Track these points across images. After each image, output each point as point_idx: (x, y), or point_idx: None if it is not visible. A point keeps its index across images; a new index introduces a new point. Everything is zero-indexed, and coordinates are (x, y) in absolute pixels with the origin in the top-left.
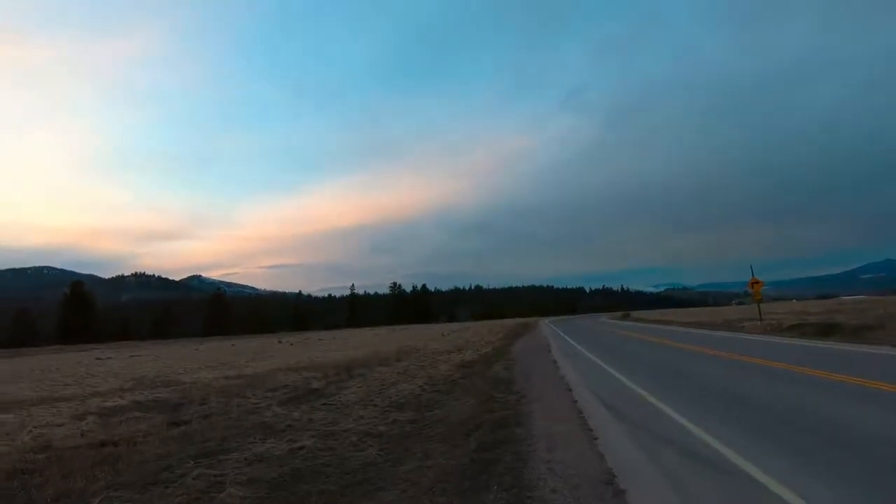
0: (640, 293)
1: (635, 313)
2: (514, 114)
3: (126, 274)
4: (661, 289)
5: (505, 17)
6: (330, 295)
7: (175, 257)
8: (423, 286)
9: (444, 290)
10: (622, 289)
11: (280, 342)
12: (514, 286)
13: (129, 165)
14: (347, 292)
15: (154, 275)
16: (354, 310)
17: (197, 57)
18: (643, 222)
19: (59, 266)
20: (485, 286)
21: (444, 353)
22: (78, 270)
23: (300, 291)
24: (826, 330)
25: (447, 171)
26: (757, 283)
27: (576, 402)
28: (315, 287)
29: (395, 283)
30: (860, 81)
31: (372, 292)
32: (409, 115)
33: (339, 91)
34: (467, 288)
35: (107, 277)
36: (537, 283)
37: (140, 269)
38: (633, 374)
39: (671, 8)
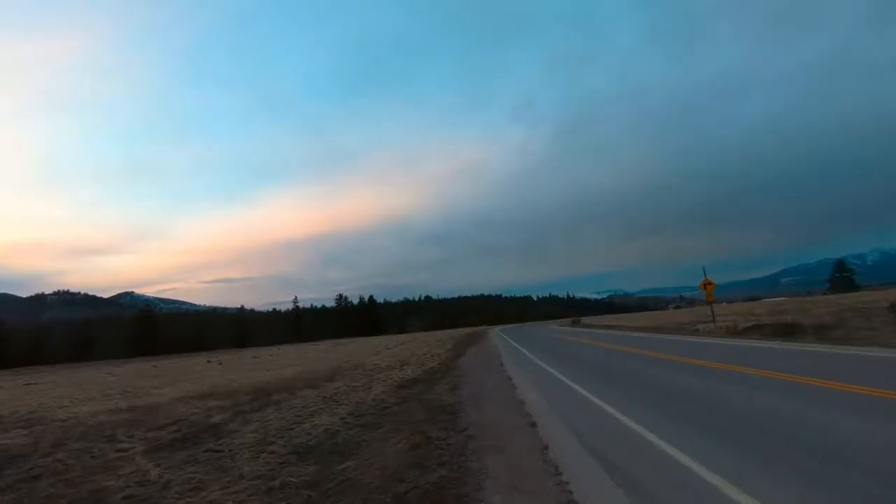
0: (584, 300)
1: (583, 319)
2: (467, 126)
3: (47, 292)
4: (605, 295)
5: (458, 31)
6: (274, 309)
7: (106, 273)
8: (371, 298)
9: (393, 301)
10: (568, 296)
11: (209, 362)
12: (463, 296)
13: (59, 176)
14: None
15: (80, 292)
16: (299, 324)
17: (139, 62)
18: (588, 231)
19: None
20: (434, 297)
21: (384, 370)
22: None
23: (242, 306)
24: (785, 330)
25: (401, 182)
26: (709, 284)
27: (546, 447)
28: (262, 302)
29: (340, 296)
30: (788, 95)
31: (320, 305)
32: (362, 125)
33: (291, 101)
34: (417, 299)
35: (25, 296)
36: (486, 293)
37: (64, 287)
38: (615, 397)
39: (614, 25)
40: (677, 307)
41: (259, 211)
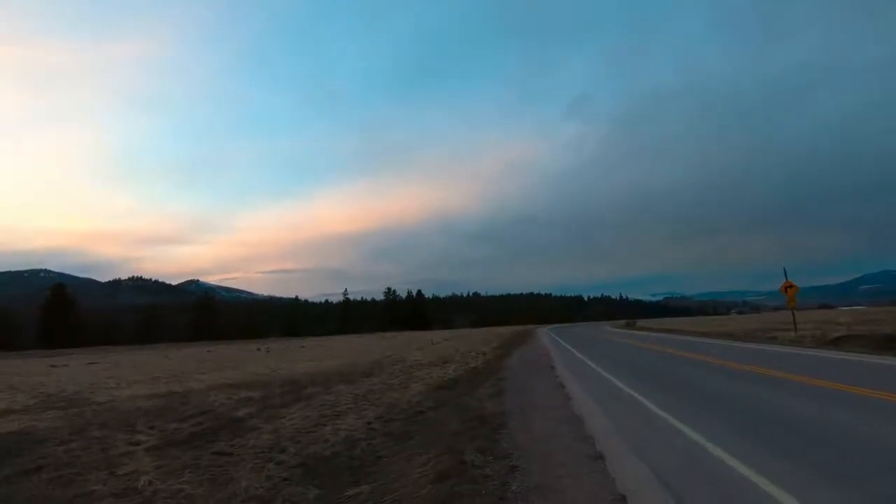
0: (638, 302)
1: (638, 322)
2: (519, 122)
3: (123, 278)
4: (660, 297)
5: (511, 26)
6: (326, 300)
7: (175, 262)
8: (419, 292)
9: (441, 296)
10: (621, 297)
11: (258, 349)
12: (512, 293)
13: (134, 170)
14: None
15: (151, 279)
16: (347, 316)
17: (203, 62)
18: (643, 231)
19: (56, 270)
20: (483, 293)
21: (425, 367)
22: (75, 274)
23: (296, 297)
24: (890, 343)
25: (452, 179)
26: (791, 287)
27: (624, 499)
28: (315, 293)
29: (389, 289)
30: (863, 91)
31: (369, 298)
32: (415, 122)
33: (346, 98)
34: (465, 295)
35: (104, 281)
36: (536, 291)
37: (138, 273)
38: (712, 427)
39: (675, 19)
40: (740, 312)
41: (314, 205)
